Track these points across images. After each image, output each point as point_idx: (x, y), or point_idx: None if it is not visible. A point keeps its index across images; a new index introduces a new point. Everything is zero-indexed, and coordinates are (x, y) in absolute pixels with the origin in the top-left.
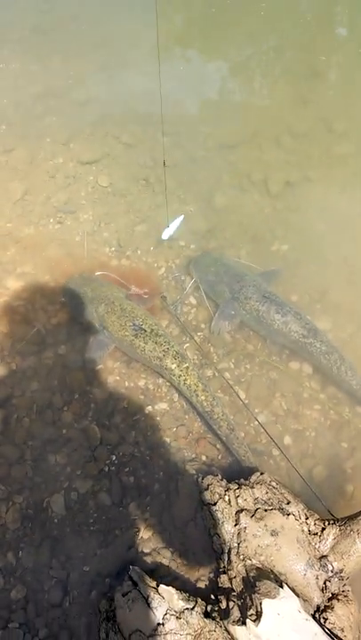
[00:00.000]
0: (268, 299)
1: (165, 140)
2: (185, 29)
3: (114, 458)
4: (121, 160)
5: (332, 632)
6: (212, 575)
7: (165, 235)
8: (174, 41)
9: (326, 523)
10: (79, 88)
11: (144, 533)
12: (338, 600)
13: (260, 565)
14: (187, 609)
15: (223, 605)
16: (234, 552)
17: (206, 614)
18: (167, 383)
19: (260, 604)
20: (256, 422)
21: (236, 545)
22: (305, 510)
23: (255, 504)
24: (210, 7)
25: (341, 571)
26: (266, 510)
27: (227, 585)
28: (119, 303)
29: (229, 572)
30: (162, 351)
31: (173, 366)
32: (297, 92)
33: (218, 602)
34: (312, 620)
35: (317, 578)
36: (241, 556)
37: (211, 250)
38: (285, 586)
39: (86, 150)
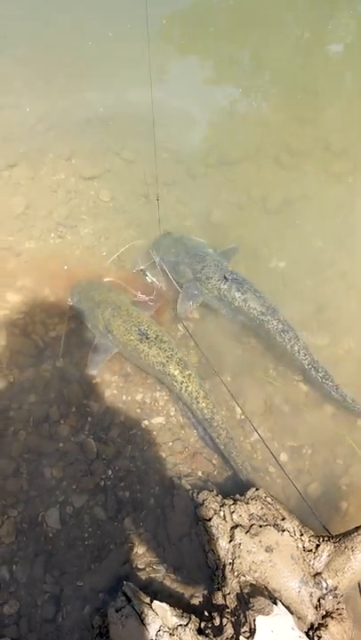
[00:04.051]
0: (228, 278)
1: (166, 156)
2: (184, 48)
3: (110, 472)
4: (122, 176)
5: None
6: (206, 592)
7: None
8: (174, 59)
9: (321, 539)
10: (82, 104)
11: (139, 548)
12: (332, 618)
13: (254, 582)
14: (180, 625)
15: (217, 622)
16: (228, 568)
17: (200, 631)
18: (164, 397)
19: (254, 620)
20: (252, 438)
21: (230, 561)
22: (300, 527)
23: (250, 520)
24: (208, 26)
25: (336, 588)
26: (261, 526)
27: (221, 601)
28: (125, 308)
29: (223, 589)
30: (165, 357)
31: (176, 372)
32: (295, 111)
33: (212, 619)
34: (306, 637)
35: (311, 595)
36: (235, 573)
37: (171, 230)
38: (279, 603)
39: (88, 166)
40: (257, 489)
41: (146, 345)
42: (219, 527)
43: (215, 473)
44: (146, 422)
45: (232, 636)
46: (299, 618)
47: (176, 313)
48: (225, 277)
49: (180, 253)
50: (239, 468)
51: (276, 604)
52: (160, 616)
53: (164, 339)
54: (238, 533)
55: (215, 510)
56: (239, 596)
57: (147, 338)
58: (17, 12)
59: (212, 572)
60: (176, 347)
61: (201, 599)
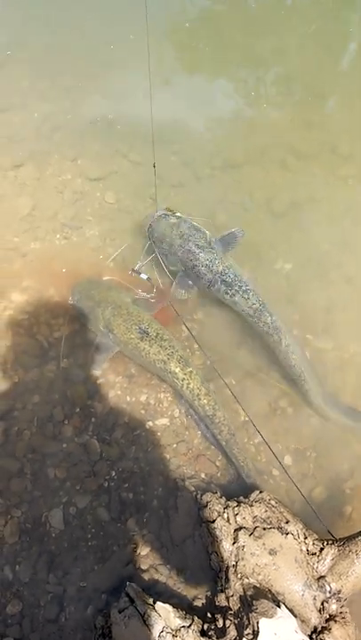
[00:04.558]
0: (217, 281)
1: (173, 159)
2: (191, 50)
3: (113, 473)
4: (128, 177)
5: None
6: (209, 593)
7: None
8: (181, 62)
9: (325, 543)
10: (88, 106)
11: (142, 550)
12: (335, 621)
13: (257, 584)
14: (183, 627)
15: (220, 624)
16: (232, 570)
17: (203, 633)
18: (168, 398)
19: (257, 623)
20: (256, 440)
21: (234, 563)
22: (304, 530)
23: (254, 522)
24: (216, 29)
25: (339, 592)
26: (265, 529)
27: (224, 603)
28: (126, 307)
29: (227, 591)
30: (166, 355)
31: (177, 370)
32: (302, 114)
33: (214, 620)
34: None
35: (315, 598)
36: (239, 575)
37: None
38: (283, 606)
39: (94, 167)
40: (261, 491)
41: (147, 343)
42: (222, 529)
43: (219, 475)
44: (150, 423)
45: (235, 638)
46: (302, 621)
47: (177, 314)
48: (210, 283)
49: (174, 245)
50: (240, 464)
51: (279, 606)
52: (163, 617)
53: (165, 337)
54: (242, 536)
55: (219, 512)
56: (242, 599)
57: (147, 336)
58: (25, 14)
59: (215, 574)
60: (177, 344)
61: (204, 601)
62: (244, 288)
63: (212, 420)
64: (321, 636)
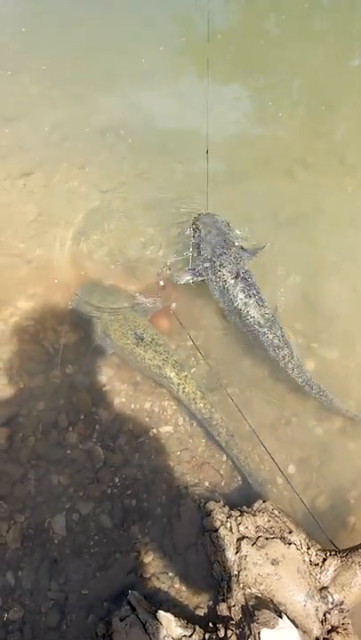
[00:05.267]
0: (240, 276)
1: (180, 169)
2: (199, 60)
3: (117, 480)
4: (135, 186)
5: None
6: (211, 603)
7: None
8: (189, 70)
9: (328, 553)
10: (97, 115)
11: (144, 558)
12: (337, 633)
13: (259, 594)
14: (185, 636)
15: (221, 634)
16: (234, 580)
17: None
18: (173, 406)
19: (259, 633)
20: (260, 449)
21: (236, 573)
22: (306, 540)
23: (257, 532)
24: (227, 42)
25: (342, 603)
26: (267, 539)
27: (225, 613)
28: (123, 312)
29: (229, 601)
30: (161, 360)
31: (172, 375)
32: (310, 125)
33: (216, 630)
34: None
35: (317, 609)
36: (241, 585)
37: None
38: (285, 616)
39: (102, 175)
40: (264, 501)
41: (142, 348)
42: (225, 538)
43: (222, 483)
44: (154, 431)
45: None
46: (304, 632)
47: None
48: (237, 274)
49: (211, 232)
50: (242, 464)
51: (281, 617)
52: (164, 626)
53: (160, 342)
54: (245, 545)
55: (222, 521)
56: (244, 609)
57: (142, 341)
58: (37, 23)
59: (217, 584)
60: (172, 349)
61: (206, 610)
62: (259, 296)
63: (209, 422)
64: None
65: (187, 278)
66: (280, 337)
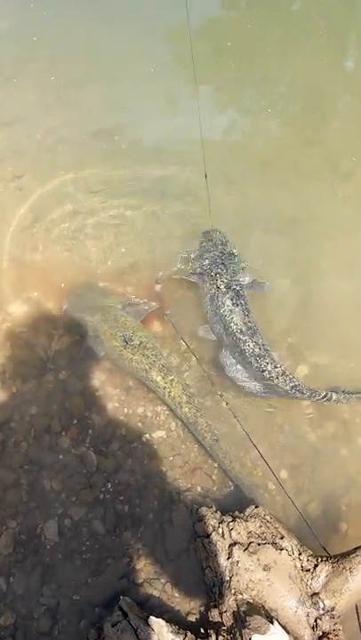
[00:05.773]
0: (231, 287)
1: (174, 173)
2: (196, 68)
3: (109, 485)
4: (130, 191)
5: None
6: (202, 608)
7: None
8: (185, 78)
9: (319, 559)
10: (92, 119)
11: (136, 563)
12: (329, 639)
13: (251, 600)
14: None
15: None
16: (226, 586)
17: None
18: (165, 411)
19: (250, 639)
20: (253, 454)
21: (228, 579)
22: (298, 546)
23: (249, 538)
24: (219, 45)
25: (333, 609)
26: (259, 544)
27: (217, 619)
28: (113, 313)
29: (220, 606)
30: (148, 364)
31: (158, 378)
32: (303, 132)
33: (208, 636)
34: None
35: (308, 615)
36: (232, 590)
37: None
38: (276, 622)
39: (96, 180)
40: (256, 506)
41: (130, 351)
42: (217, 544)
43: (215, 489)
44: (147, 436)
45: None
46: (295, 638)
47: (176, 331)
48: (228, 287)
49: (217, 244)
50: (227, 468)
51: (272, 623)
52: (156, 632)
53: (149, 345)
54: (236, 551)
55: (214, 527)
56: (236, 614)
57: (130, 343)
58: (35, 28)
59: (209, 589)
60: (161, 353)
61: (197, 616)
62: (246, 307)
63: (194, 427)
64: None
65: (179, 272)
66: (261, 345)
